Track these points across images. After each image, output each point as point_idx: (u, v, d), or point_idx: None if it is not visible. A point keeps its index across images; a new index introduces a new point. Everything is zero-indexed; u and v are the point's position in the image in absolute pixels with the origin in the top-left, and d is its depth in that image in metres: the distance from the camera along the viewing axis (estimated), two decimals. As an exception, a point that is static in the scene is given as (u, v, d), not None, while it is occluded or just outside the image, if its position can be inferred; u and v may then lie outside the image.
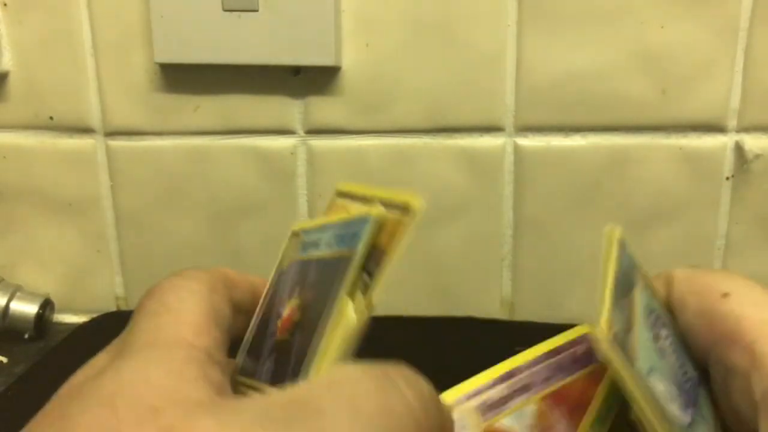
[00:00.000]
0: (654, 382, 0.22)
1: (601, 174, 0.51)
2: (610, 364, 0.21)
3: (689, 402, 0.23)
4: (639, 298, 0.24)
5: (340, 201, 0.27)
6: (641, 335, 0.23)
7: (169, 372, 0.20)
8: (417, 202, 0.23)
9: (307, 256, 0.25)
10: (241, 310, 0.27)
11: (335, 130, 0.52)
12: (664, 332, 0.24)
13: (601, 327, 0.22)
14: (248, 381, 0.24)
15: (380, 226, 0.22)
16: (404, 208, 0.23)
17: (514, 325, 0.54)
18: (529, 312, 0.54)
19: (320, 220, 0.25)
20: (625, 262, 0.25)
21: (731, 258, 0.52)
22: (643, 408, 0.21)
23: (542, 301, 0.54)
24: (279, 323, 0.24)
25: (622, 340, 0.22)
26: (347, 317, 0.22)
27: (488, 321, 0.54)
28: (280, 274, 0.27)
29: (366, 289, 0.22)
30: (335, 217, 0.25)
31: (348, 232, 0.23)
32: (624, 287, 0.24)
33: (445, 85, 0.50)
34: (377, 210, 0.23)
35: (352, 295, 0.22)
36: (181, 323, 0.22)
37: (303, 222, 0.28)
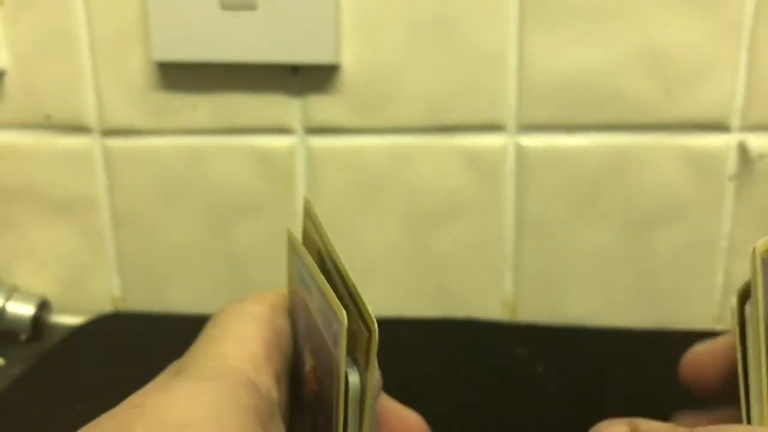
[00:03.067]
0: None
1: (604, 173, 0.51)
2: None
3: None
4: None
5: (310, 229, 0.26)
6: None
7: (220, 407, 0.19)
8: (374, 324, 0.20)
9: (306, 299, 0.24)
10: None
11: (334, 128, 0.52)
12: None
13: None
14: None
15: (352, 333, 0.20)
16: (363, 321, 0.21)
17: (516, 326, 0.54)
18: (531, 313, 0.54)
19: (310, 263, 0.24)
20: None
21: (735, 259, 0.51)
22: None
23: (544, 303, 0.53)
24: (306, 373, 0.24)
25: None
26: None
27: (489, 322, 0.54)
28: (292, 295, 0.26)
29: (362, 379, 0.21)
30: (321, 280, 0.23)
31: (328, 318, 0.21)
32: None
33: (446, 84, 0.50)
34: (345, 318, 0.20)
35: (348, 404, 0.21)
36: (242, 356, 0.22)
37: (297, 238, 0.26)
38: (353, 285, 0.22)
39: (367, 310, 0.20)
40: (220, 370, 0.21)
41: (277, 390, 0.22)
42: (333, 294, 0.21)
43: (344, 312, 0.20)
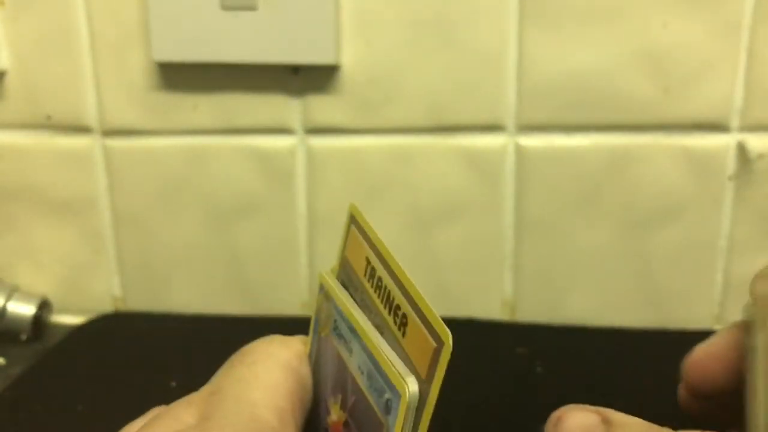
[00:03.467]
0: None
1: (604, 173, 0.51)
2: None
3: None
4: None
5: (356, 236, 0.26)
6: None
7: None
8: (447, 336, 0.21)
9: (342, 352, 0.24)
10: None
11: (335, 129, 0.52)
12: None
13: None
14: None
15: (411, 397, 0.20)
16: (431, 329, 0.21)
17: (516, 326, 0.54)
18: (530, 313, 0.54)
19: (348, 312, 0.24)
20: None
21: (734, 259, 0.52)
22: None
23: (544, 302, 0.54)
24: (329, 422, 0.24)
25: None
26: None
27: (489, 322, 0.54)
28: (319, 341, 0.26)
29: None
30: (365, 335, 0.22)
31: (378, 382, 0.21)
32: None
33: (446, 84, 0.50)
34: (410, 386, 0.20)
35: None
36: (268, 405, 0.23)
37: (331, 285, 0.26)
38: (416, 292, 0.21)
39: (438, 321, 0.20)
40: (249, 421, 0.22)
41: None
42: (390, 365, 0.21)
43: (405, 386, 0.20)
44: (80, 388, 0.45)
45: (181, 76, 0.52)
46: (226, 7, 0.48)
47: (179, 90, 0.52)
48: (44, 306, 0.54)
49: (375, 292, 0.23)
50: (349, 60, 0.50)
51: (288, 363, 0.25)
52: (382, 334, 0.22)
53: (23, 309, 0.53)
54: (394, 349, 0.22)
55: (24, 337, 0.53)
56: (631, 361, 0.48)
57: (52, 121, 0.53)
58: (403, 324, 0.21)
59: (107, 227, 0.55)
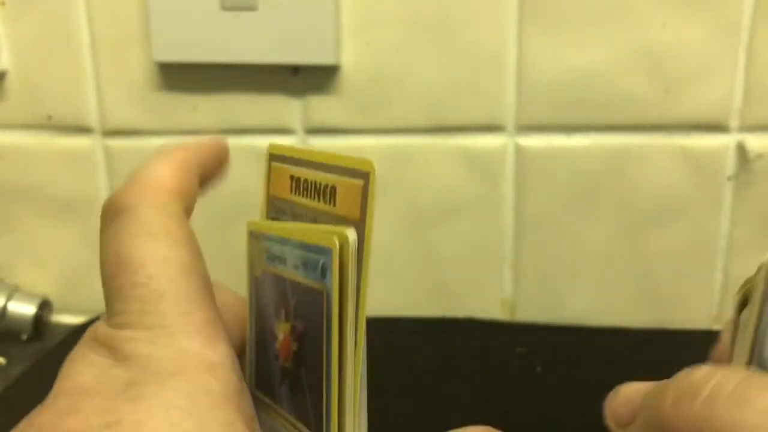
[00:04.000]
0: None
1: (603, 174, 0.51)
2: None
3: None
4: None
5: (278, 166, 0.26)
6: None
7: (199, 413, 0.19)
8: (370, 165, 0.20)
9: (278, 270, 0.23)
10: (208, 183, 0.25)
11: (335, 129, 0.52)
12: None
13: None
14: (273, 405, 0.24)
15: (342, 244, 0.20)
16: (358, 173, 0.21)
17: (515, 325, 0.54)
18: (530, 312, 0.54)
19: (277, 228, 0.24)
20: None
21: (733, 258, 0.52)
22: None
23: (543, 302, 0.54)
24: (277, 346, 0.24)
25: None
26: (353, 371, 0.21)
27: (489, 321, 0.54)
28: (255, 282, 0.26)
29: (355, 314, 0.21)
30: (294, 231, 0.23)
31: (312, 258, 0.21)
32: None
33: (446, 84, 0.50)
34: (335, 235, 0.20)
35: (344, 337, 0.20)
36: (192, 331, 0.20)
37: (259, 223, 0.26)
38: (329, 156, 0.22)
39: (356, 160, 0.20)
40: (179, 360, 0.20)
41: (231, 355, 0.21)
42: (312, 232, 0.21)
43: (332, 236, 0.20)
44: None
45: (181, 77, 0.52)
46: (226, 8, 0.49)
47: (179, 90, 0.52)
48: (45, 306, 0.54)
49: (305, 195, 0.23)
50: (349, 60, 0.50)
51: (183, 262, 0.22)
52: (315, 221, 0.23)
53: (24, 309, 0.53)
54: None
55: (24, 336, 0.53)
56: (631, 360, 0.48)
57: (53, 121, 0.54)
58: (332, 194, 0.22)
59: (108, 227, 0.55)
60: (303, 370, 0.22)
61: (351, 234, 0.20)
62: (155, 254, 0.21)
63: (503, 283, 0.54)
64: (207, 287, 0.22)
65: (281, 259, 0.23)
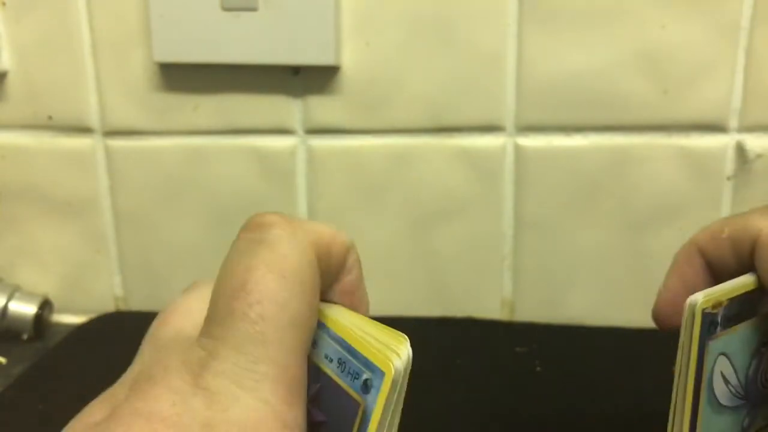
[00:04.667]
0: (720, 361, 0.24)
1: (602, 174, 0.51)
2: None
3: (751, 400, 0.25)
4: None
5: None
6: (742, 333, 0.25)
7: None
8: (389, 366, 0.21)
9: (314, 356, 0.24)
10: (328, 282, 0.24)
11: (335, 129, 0.52)
12: None
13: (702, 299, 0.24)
14: None
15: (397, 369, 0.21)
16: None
17: (515, 325, 0.54)
18: (529, 312, 0.54)
19: (323, 313, 0.24)
20: None
21: (732, 258, 0.52)
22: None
23: (543, 302, 0.54)
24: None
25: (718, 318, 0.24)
26: None
27: (488, 321, 0.54)
28: None
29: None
30: (338, 325, 0.23)
31: (353, 365, 0.22)
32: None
33: (446, 85, 0.50)
34: (393, 355, 0.21)
35: None
36: (279, 386, 0.20)
37: None
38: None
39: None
40: (259, 415, 0.19)
41: (303, 418, 0.21)
42: (369, 347, 0.22)
43: (390, 363, 0.21)
44: (81, 388, 0.45)
45: (181, 77, 0.52)
46: (226, 8, 0.49)
47: (180, 90, 0.52)
48: (45, 305, 0.54)
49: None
50: (349, 61, 0.50)
51: (303, 320, 0.21)
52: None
53: (25, 308, 0.53)
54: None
55: (25, 336, 0.53)
56: (630, 360, 0.48)
57: (54, 121, 0.54)
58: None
59: (108, 227, 0.56)
60: None
61: (408, 355, 0.21)
62: (277, 297, 0.21)
63: (503, 283, 0.54)
64: (309, 343, 0.22)
65: (319, 346, 0.23)
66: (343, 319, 0.23)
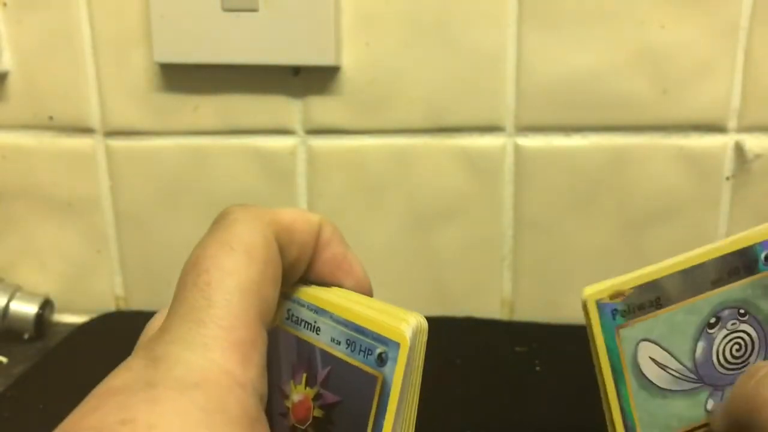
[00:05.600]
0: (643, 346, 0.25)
1: (602, 174, 0.51)
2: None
3: (709, 381, 0.26)
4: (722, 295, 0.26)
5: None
6: (669, 318, 0.26)
7: (211, 426, 0.18)
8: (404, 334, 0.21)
9: (303, 335, 0.24)
10: (299, 262, 0.25)
11: (335, 130, 0.52)
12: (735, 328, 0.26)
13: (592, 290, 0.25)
14: None
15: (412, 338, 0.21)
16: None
17: (514, 325, 0.54)
18: (529, 312, 0.54)
19: (313, 297, 0.24)
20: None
21: (731, 258, 0.52)
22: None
23: (542, 301, 0.54)
24: (288, 405, 0.24)
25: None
26: None
27: (488, 321, 0.54)
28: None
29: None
30: (340, 308, 0.23)
31: (365, 343, 0.22)
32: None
33: (445, 85, 0.50)
34: (407, 329, 0.21)
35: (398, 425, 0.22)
36: (227, 345, 0.20)
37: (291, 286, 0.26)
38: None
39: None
40: (205, 373, 0.20)
41: (261, 381, 0.21)
42: (377, 324, 0.22)
43: (402, 332, 0.21)
44: (82, 387, 0.45)
45: (182, 77, 0.52)
46: (227, 9, 0.49)
47: (180, 91, 0.52)
48: (46, 305, 0.55)
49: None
50: (349, 61, 0.51)
51: (248, 283, 0.21)
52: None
53: (26, 308, 0.53)
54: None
55: (26, 336, 0.53)
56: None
57: (55, 121, 0.54)
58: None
59: (109, 227, 0.56)
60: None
61: (419, 324, 0.22)
62: (222, 264, 0.22)
63: (502, 282, 0.54)
64: (262, 311, 0.22)
65: (311, 327, 0.24)
66: (343, 302, 0.23)
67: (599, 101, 0.50)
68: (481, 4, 0.49)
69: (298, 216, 0.25)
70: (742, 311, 0.26)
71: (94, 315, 0.57)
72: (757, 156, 0.49)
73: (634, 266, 0.55)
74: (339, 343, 0.23)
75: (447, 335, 0.52)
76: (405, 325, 0.21)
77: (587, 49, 0.49)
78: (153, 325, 0.24)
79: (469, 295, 0.54)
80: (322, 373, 0.23)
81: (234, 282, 0.21)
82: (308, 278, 0.26)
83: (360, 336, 0.22)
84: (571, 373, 0.46)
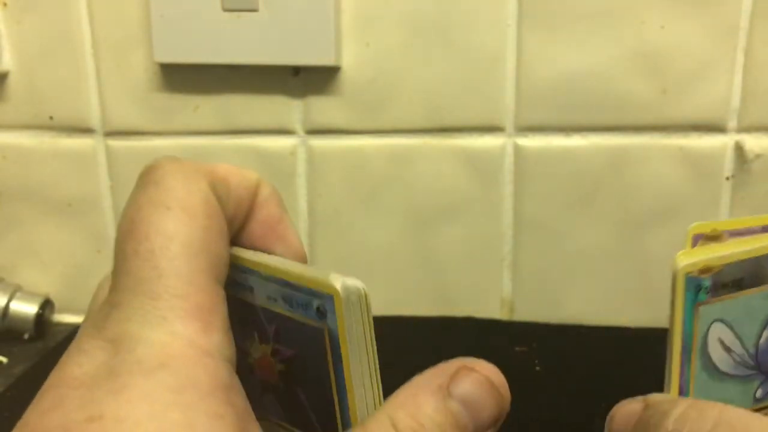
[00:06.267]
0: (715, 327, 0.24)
1: (602, 174, 0.51)
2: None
3: (763, 369, 0.25)
4: None
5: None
6: (747, 300, 0.24)
7: (185, 407, 0.18)
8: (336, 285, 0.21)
9: (241, 296, 0.23)
10: (235, 219, 0.23)
11: (335, 130, 0.52)
12: None
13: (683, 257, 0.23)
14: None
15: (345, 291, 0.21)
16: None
17: (514, 325, 0.54)
18: (529, 312, 0.54)
19: (240, 258, 0.23)
20: None
21: (731, 258, 0.52)
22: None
23: (542, 301, 0.54)
24: (250, 361, 0.24)
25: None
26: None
27: (488, 321, 0.54)
28: None
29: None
30: (267, 267, 0.22)
31: (300, 298, 0.22)
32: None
33: (445, 85, 0.50)
34: (336, 281, 0.21)
35: (356, 370, 0.21)
36: (186, 315, 0.19)
37: None
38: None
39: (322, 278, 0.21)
40: (168, 349, 0.18)
41: (228, 344, 0.20)
42: (308, 278, 0.21)
43: (334, 284, 0.20)
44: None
45: (182, 78, 0.52)
46: (227, 9, 0.49)
47: (181, 91, 0.52)
48: (47, 305, 0.55)
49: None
50: (349, 61, 0.51)
51: (195, 241, 0.20)
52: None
53: (26, 308, 0.53)
54: None
55: (26, 336, 0.53)
56: (629, 359, 0.48)
57: (55, 121, 0.54)
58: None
59: (109, 227, 0.56)
60: (299, 389, 0.23)
61: (353, 283, 0.21)
62: (163, 228, 0.20)
63: (502, 282, 0.54)
64: (215, 269, 0.20)
65: (246, 287, 0.23)
66: (271, 263, 0.22)
67: (599, 101, 0.50)
68: (481, 5, 0.49)
69: (234, 170, 0.23)
70: None
71: (94, 315, 0.57)
72: (757, 156, 0.49)
73: (634, 266, 0.55)
74: (276, 300, 0.22)
75: (447, 335, 0.52)
76: (336, 279, 0.20)
77: (587, 49, 0.49)
78: (99, 295, 0.22)
79: (468, 294, 0.54)
80: (270, 330, 0.23)
81: (178, 245, 0.20)
82: (237, 242, 0.24)
83: (294, 292, 0.22)
84: (571, 373, 0.46)
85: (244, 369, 0.24)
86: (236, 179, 0.23)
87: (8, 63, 0.53)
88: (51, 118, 0.54)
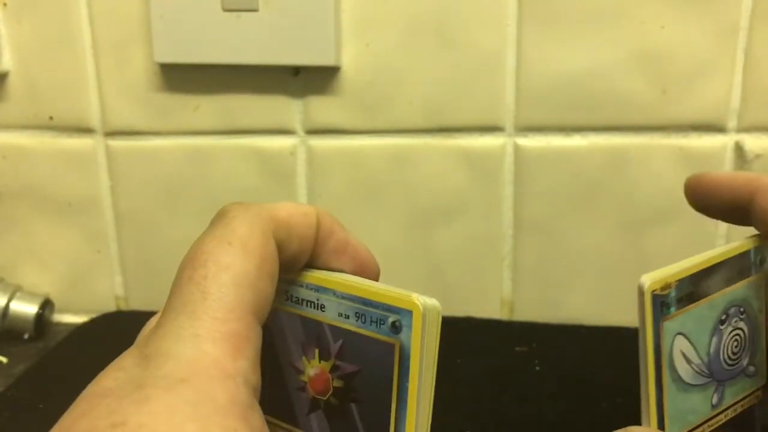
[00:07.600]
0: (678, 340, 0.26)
1: (601, 174, 0.51)
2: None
3: (716, 376, 0.26)
4: (735, 291, 0.27)
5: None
6: (697, 312, 0.26)
7: (201, 420, 0.19)
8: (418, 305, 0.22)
9: (308, 314, 0.24)
10: (301, 254, 0.25)
11: (335, 130, 0.52)
12: (738, 325, 0.27)
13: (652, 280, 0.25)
14: (292, 429, 0.25)
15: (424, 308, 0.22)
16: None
17: (514, 325, 0.54)
18: (528, 312, 0.54)
19: (313, 277, 0.25)
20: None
21: (731, 258, 0.52)
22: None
23: (542, 301, 0.54)
24: (305, 379, 0.25)
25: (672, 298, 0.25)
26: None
27: (488, 321, 0.54)
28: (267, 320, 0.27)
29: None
30: (343, 285, 0.24)
31: (376, 314, 0.23)
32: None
33: (445, 85, 0.50)
34: (417, 300, 0.22)
35: (421, 390, 0.22)
36: (219, 337, 0.20)
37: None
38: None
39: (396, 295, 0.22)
40: (194, 365, 0.20)
41: (254, 373, 0.21)
42: (386, 295, 0.23)
43: (414, 300, 0.22)
44: (82, 387, 0.45)
45: (182, 77, 0.52)
46: (227, 9, 0.49)
47: (181, 91, 0.52)
48: (47, 305, 0.55)
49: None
50: (349, 61, 0.51)
51: (244, 276, 0.21)
52: None
53: (26, 308, 0.53)
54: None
55: (27, 336, 0.53)
56: (629, 359, 0.48)
57: (55, 121, 0.54)
58: None
59: (109, 227, 0.56)
60: (353, 405, 0.24)
61: (426, 306, 0.22)
62: (221, 259, 0.22)
63: (502, 282, 0.54)
64: (257, 306, 0.22)
65: (315, 305, 0.24)
66: (348, 281, 0.24)
67: (599, 101, 0.50)
68: (481, 4, 0.49)
69: (294, 210, 0.25)
70: (742, 309, 0.27)
71: (94, 315, 0.57)
72: (757, 156, 0.49)
73: (634, 266, 0.55)
74: (347, 317, 0.23)
75: (447, 335, 0.52)
76: (415, 295, 0.22)
77: (587, 49, 0.49)
78: (152, 322, 0.24)
79: (468, 294, 0.54)
80: (335, 347, 0.24)
81: (230, 275, 0.21)
82: (312, 266, 0.26)
83: (369, 308, 0.23)
84: (571, 373, 0.46)
85: (296, 386, 0.25)
86: (297, 219, 0.25)
87: (8, 63, 0.53)
88: (51, 118, 0.54)
